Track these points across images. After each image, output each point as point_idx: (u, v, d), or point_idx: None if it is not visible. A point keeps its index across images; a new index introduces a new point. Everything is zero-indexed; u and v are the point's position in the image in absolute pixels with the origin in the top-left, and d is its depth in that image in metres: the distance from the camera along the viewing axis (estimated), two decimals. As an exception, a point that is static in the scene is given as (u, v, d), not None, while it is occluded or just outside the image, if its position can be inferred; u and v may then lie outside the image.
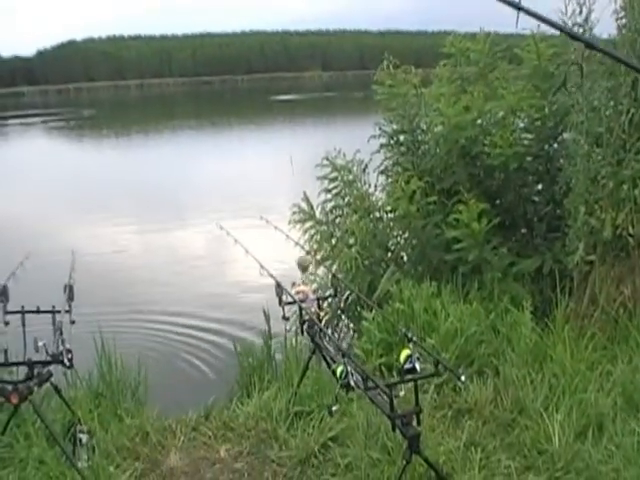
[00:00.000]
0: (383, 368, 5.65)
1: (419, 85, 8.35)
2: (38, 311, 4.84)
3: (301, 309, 4.95)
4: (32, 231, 16.18)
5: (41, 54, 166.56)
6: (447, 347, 5.69)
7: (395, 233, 8.03)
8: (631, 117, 6.44)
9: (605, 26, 6.99)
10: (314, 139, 24.98)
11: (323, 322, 5.06)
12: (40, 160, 32.34)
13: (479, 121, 7.70)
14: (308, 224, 8.31)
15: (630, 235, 6.18)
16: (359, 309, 7.06)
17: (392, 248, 7.94)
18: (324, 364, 5.07)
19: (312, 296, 5.19)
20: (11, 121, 63.92)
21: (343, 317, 7.83)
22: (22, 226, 16.88)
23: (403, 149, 8.25)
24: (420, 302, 6.23)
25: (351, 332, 7.60)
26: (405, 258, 7.91)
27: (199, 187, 22.31)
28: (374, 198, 8.31)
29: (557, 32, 6.31)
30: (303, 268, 5.82)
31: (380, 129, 8.33)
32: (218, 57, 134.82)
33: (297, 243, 6.86)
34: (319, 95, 71.03)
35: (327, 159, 8.49)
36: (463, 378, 3.83)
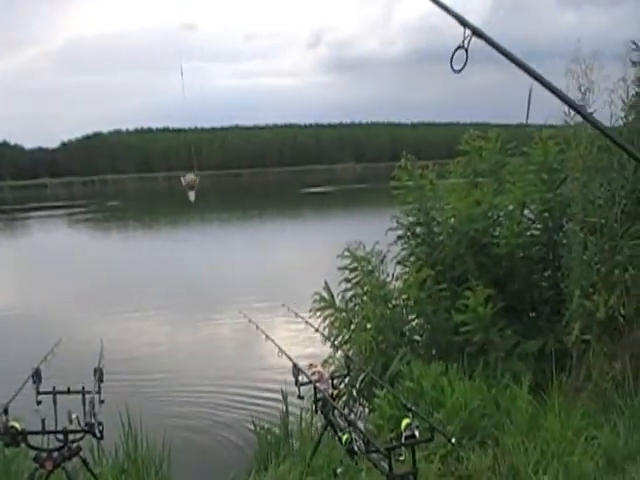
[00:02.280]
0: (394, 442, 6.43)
1: (435, 180, 9.32)
2: (70, 391, 5.32)
3: (315, 388, 5.71)
4: (64, 320, 17.21)
5: (65, 146, 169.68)
6: (452, 420, 6.46)
7: (409, 318, 8.88)
8: (623, 207, 7.37)
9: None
10: (340, 230, 25.92)
11: (337, 400, 5.81)
12: (69, 251, 33.55)
13: (489, 214, 8.66)
14: (328, 311, 9.12)
15: (622, 315, 7.07)
16: (373, 388, 7.83)
17: (406, 332, 8.76)
18: (337, 439, 5.61)
19: (327, 376, 5.96)
20: (33, 213, 65.19)
21: (357, 395, 8.59)
22: (54, 316, 17.95)
23: (419, 240, 9.16)
24: (428, 380, 7.05)
25: (365, 410, 8.35)
26: (417, 341, 8.75)
27: (226, 278, 23.26)
28: (391, 286, 9.15)
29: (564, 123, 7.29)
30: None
31: (397, 222, 9.26)
32: (247, 150, 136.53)
33: (317, 329, 7.74)
34: (350, 187, 72.36)
35: (348, 250, 9.35)
36: (453, 440, 4.61)
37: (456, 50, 3.02)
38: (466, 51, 3.09)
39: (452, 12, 3.26)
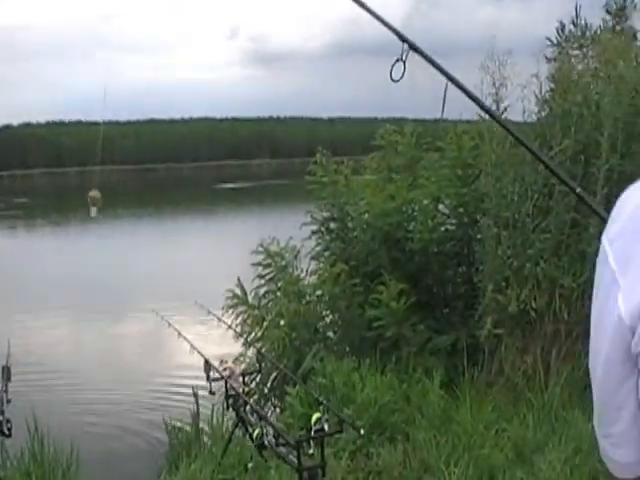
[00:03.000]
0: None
1: (350, 175, 9.42)
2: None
3: (227, 384, 5.77)
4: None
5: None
6: (362, 416, 6.55)
7: (323, 314, 8.97)
8: (535, 202, 7.58)
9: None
10: (255, 226, 25.96)
11: (248, 397, 5.88)
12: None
13: (403, 208, 8.79)
14: (241, 308, 9.15)
15: (533, 309, 7.28)
16: (285, 386, 7.90)
17: (320, 328, 8.85)
18: (248, 436, 5.67)
19: (238, 372, 6.03)
20: None
21: (269, 393, 8.65)
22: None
23: (333, 236, 9.26)
24: (340, 376, 7.13)
25: (277, 408, 8.42)
26: (331, 337, 8.85)
27: (137, 276, 23.04)
28: (305, 282, 9.23)
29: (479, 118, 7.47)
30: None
31: (312, 217, 9.34)
32: (163, 144, 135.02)
33: (229, 326, 7.78)
34: (266, 183, 72.46)
35: (261, 246, 9.40)
36: (362, 432, 4.71)
37: (395, 63, 3.11)
38: (404, 63, 3.18)
39: (391, 27, 3.35)
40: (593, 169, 7.64)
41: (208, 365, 5.82)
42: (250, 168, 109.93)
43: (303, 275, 9.31)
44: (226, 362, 6.08)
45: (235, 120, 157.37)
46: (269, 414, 8.10)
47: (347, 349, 8.44)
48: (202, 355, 5.95)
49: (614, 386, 1.38)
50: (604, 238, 1.41)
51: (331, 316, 8.93)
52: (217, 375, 5.78)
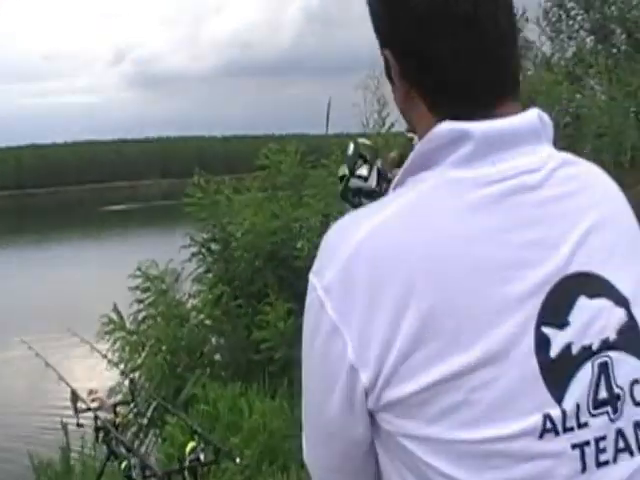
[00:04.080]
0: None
1: (231, 195, 9.31)
2: None
3: (96, 417, 5.50)
4: None
5: None
6: (250, 444, 6.34)
7: (207, 338, 8.75)
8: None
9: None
10: (138, 249, 25.58)
11: (123, 429, 5.61)
12: None
13: (290, 227, 8.69)
14: (118, 335, 8.86)
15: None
16: (165, 415, 7.66)
17: (204, 353, 8.63)
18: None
19: (109, 403, 5.75)
20: None
21: (147, 423, 8.37)
22: None
23: (215, 257, 9.09)
24: (225, 403, 6.92)
25: (157, 438, 8.15)
26: (217, 361, 8.64)
27: (9, 304, 22.40)
28: (188, 306, 9.02)
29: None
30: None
31: (191, 239, 9.17)
32: (44, 168, 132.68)
33: (104, 355, 7.48)
34: (155, 204, 71.68)
35: (139, 269, 9.15)
36: (238, 460, 4.50)
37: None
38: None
39: None
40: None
41: (75, 396, 5.54)
42: (139, 189, 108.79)
43: (185, 298, 9.08)
44: (96, 392, 5.82)
45: (122, 141, 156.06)
46: (150, 445, 7.83)
47: (234, 373, 8.22)
48: (69, 385, 5.65)
49: (352, 440, 1.40)
50: (316, 282, 1.37)
51: (216, 339, 8.74)
52: (85, 406, 5.52)
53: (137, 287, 9.13)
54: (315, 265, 1.40)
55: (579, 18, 12.92)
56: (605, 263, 1.41)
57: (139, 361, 8.61)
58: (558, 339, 1.33)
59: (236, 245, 8.92)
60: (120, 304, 9.26)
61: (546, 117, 1.44)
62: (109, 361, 7.76)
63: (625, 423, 1.34)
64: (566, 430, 1.30)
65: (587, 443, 1.31)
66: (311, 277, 1.39)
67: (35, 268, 32.69)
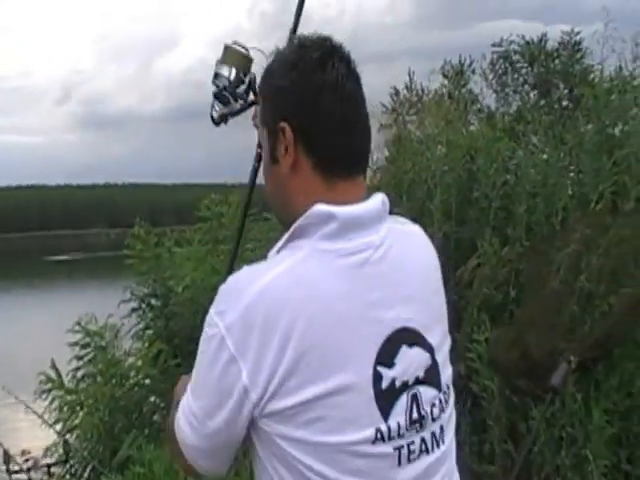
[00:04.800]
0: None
1: (173, 248, 9.28)
2: None
3: (29, 478, 5.49)
4: None
5: None
6: (187, 509, 6.31)
7: (145, 398, 8.69)
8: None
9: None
10: (81, 303, 25.34)
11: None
12: None
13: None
14: (55, 393, 8.77)
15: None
16: (100, 476, 7.59)
17: (143, 413, 8.56)
18: None
19: (42, 463, 5.74)
20: None
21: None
22: None
23: (156, 312, 9.04)
24: (161, 464, 6.88)
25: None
26: (156, 422, 8.57)
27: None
28: (127, 364, 8.96)
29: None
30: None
31: (131, 293, 9.11)
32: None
33: (40, 416, 7.44)
34: (102, 254, 71.19)
35: (79, 324, 9.08)
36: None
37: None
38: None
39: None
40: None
41: (7, 456, 5.54)
42: (86, 238, 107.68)
43: (124, 356, 9.01)
44: (29, 452, 5.83)
45: (69, 187, 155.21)
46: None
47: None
48: (1, 446, 5.65)
49: (230, 437, 1.98)
50: (218, 320, 1.92)
51: (154, 400, 8.67)
52: (18, 467, 5.52)
53: (76, 343, 9.03)
54: (217, 306, 1.95)
55: (523, 71, 13.15)
56: (421, 321, 2.06)
57: (76, 421, 8.53)
58: (387, 376, 1.96)
59: (176, 301, 8.90)
60: (59, 360, 9.16)
61: (386, 199, 2.07)
62: (45, 421, 7.74)
63: (426, 433, 2.04)
64: (390, 439, 1.96)
65: (402, 447, 1.99)
66: (213, 315, 1.95)
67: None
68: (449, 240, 7.82)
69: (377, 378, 1.94)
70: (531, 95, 12.85)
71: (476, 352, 7.09)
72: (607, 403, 6.50)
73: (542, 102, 12.16)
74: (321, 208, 1.96)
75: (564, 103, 12.29)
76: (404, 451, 2.00)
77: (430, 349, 2.07)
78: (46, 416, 8.14)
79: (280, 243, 2.00)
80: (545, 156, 8.26)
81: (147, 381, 8.55)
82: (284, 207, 2.13)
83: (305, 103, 2.08)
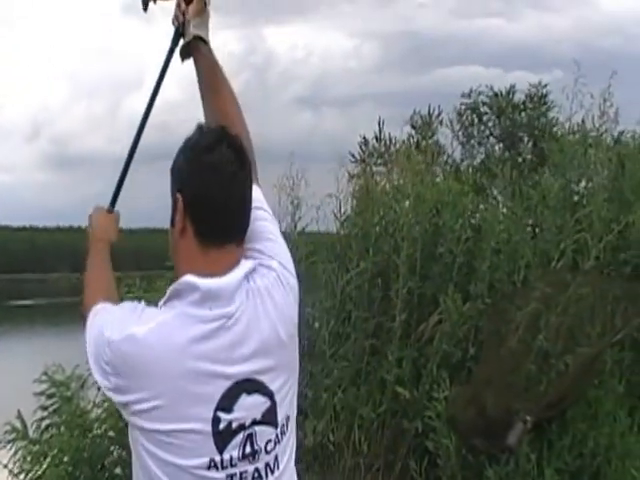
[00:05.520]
0: None
1: (142, 296, 9.29)
2: None
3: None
4: None
5: None
6: None
7: (110, 450, 8.67)
8: (331, 328, 7.69)
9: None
10: (46, 350, 25.20)
11: None
12: None
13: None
14: (20, 444, 8.74)
15: (331, 442, 7.30)
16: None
17: (106, 465, 8.55)
18: None
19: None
20: None
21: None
22: None
23: (123, 362, 9.02)
24: (126, 518, 6.92)
25: None
26: (119, 475, 8.55)
27: None
28: (93, 415, 8.93)
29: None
30: None
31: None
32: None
33: (5, 465, 7.43)
34: (65, 300, 70.64)
35: (46, 374, 9.06)
36: None
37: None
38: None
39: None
40: (392, 293, 7.83)
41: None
42: (49, 282, 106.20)
43: (90, 407, 8.99)
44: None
45: (33, 229, 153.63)
46: None
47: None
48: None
49: None
50: (108, 350, 2.62)
51: (118, 452, 8.66)
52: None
53: (42, 393, 9.00)
54: (110, 335, 2.60)
55: (490, 124, 13.36)
56: (264, 371, 2.60)
57: (39, 472, 8.51)
58: (224, 419, 2.52)
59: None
60: (23, 408, 9.12)
61: (249, 272, 2.63)
62: (10, 471, 7.74)
63: (260, 464, 2.60)
64: (224, 468, 2.54)
65: (235, 474, 2.57)
66: (107, 342, 2.59)
67: None
68: (412, 296, 7.92)
69: (216, 421, 2.51)
70: (496, 148, 13.04)
71: (434, 410, 7.18)
72: (559, 463, 6.63)
73: (507, 155, 12.35)
74: (189, 279, 2.55)
75: (528, 157, 12.49)
76: (236, 478, 2.57)
77: (270, 394, 2.62)
78: (10, 466, 8.17)
79: (163, 300, 2.61)
80: (507, 211, 8.41)
81: (112, 433, 8.53)
82: (176, 265, 2.73)
83: (192, 180, 2.62)
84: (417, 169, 8.99)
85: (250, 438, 2.57)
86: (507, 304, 7.54)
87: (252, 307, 2.59)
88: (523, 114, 13.21)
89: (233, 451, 2.55)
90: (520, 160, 12.23)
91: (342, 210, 8.97)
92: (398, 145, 12.03)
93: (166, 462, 2.55)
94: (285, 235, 7.83)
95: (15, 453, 8.65)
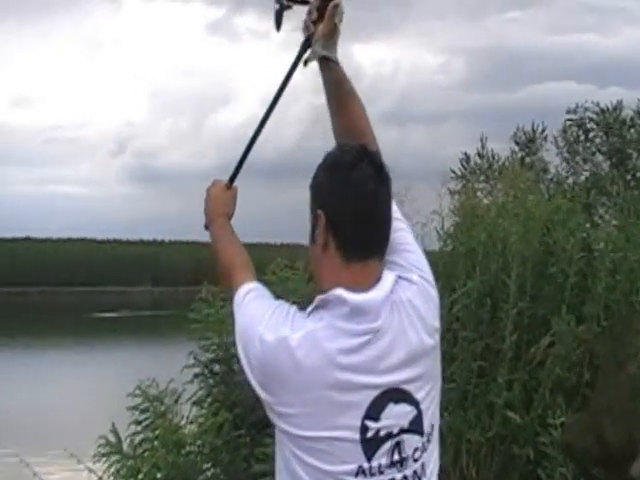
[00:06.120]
0: None
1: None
2: None
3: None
4: None
5: None
6: None
7: (203, 467, 8.55)
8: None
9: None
10: (133, 363, 25.45)
11: None
12: None
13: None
14: (114, 458, 8.69)
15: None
16: None
17: (200, 484, 8.44)
18: None
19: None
20: None
21: None
22: None
23: (217, 379, 8.92)
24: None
25: None
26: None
27: (1, 415, 22.12)
28: (185, 431, 8.84)
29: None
30: None
31: (195, 358, 9.01)
32: (38, 265, 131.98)
33: (100, 478, 7.36)
34: (147, 313, 71.47)
35: (139, 388, 9.01)
36: None
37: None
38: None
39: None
40: (501, 313, 7.61)
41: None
42: (131, 295, 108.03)
43: (183, 422, 8.91)
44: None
45: (117, 242, 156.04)
46: None
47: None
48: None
49: None
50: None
51: (212, 470, 8.53)
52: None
53: (136, 407, 8.95)
54: (262, 331, 2.72)
55: (597, 140, 13.04)
56: (409, 381, 2.68)
57: (133, 487, 8.45)
58: (372, 427, 2.59)
59: (238, 369, 8.77)
60: (110, 421, 9.07)
61: (393, 286, 2.71)
62: (104, 484, 7.68)
63: (408, 471, 2.67)
64: (372, 475, 2.61)
65: None
66: (259, 337, 2.72)
67: (25, 375, 32.45)
68: (523, 317, 7.69)
69: (364, 429, 2.59)
70: (603, 165, 12.74)
71: (548, 436, 6.93)
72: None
73: (614, 172, 12.04)
74: (339, 293, 2.63)
75: (638, 174, 12.17)
76: None
77: (416, 403, 2.70)
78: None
79: (310, 308, 2.69)
80: (616, 230, 8.15)
81: (205, 450, 8.41)
82: (318, 279, 2.83)
83: (334, 198, 2.72)
84: (524, 186, 8.76)
85: (398, 446, 2.64)
86: (625, 327, 7.28)
87: (397, 320, 2.67)
88: (632, 130, 12.85)
89: (381, 459, 2.62)
90: (629, 177, 11.93)
91: (444, 227, 8.79)
92: (501, 162, 11.81)
93: (314, 467, 2.61)
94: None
95: (109, 467, 8.62)
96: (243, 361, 2.82)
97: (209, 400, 8.81)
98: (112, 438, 8.86)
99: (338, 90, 3.19)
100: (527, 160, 11.47)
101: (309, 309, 2.69)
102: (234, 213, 3.47)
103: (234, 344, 8.00)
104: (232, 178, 3.49)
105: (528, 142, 12.68)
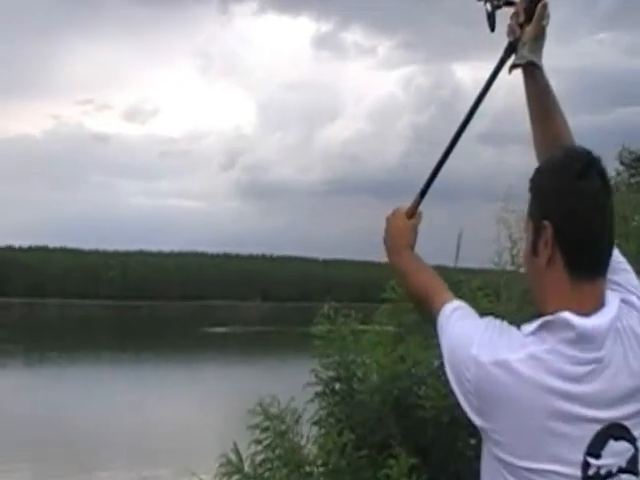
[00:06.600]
0: None
1: (357, 330, 9.19)
2: None
3: None
4: None
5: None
6: None
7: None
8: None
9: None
10: (247, 380, 25.63)
11: None
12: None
13: (413, 370, 8.51)
14: (235, 478, 8.79)
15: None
16: None
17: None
18: None
19: None
20: None
21: None
22: None
23: (337, 398, 8.93)
24: None
25: None
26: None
27: (117, 431, 22.44)
28: (306, 451, 8.87)
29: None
30: None
31: (316, 376, 9.04)
32: (150, 279, 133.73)
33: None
34: (257, 329, 71.83)
35: (260, 406, 9.08)
36: None
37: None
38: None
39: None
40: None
41: None
42: (240, 310, 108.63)
43: (304, 442, 8.94)
44: None
45: (227, 256, 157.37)
46: None
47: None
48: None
49: None
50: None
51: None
52: None
53: (257, 425, 9.01)
54: (477, 353, 2.52)
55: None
56: (629, 418, 2.49)
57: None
58: (594, 464, 2.43)
59: (361, 387, 8.78)
60: (230, 439, 9.17)
61: (618, 311, 2.56)
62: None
63: None
64: None
65: None
66: (473, 359, 2.51)
67: (137, 390, 32.92)
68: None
69: (585, 466, 2.43)
70: None
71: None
72: None
73: None
74: (566, 316, 2.46)
75: None
76: None
77: (633, 440, 2.51)
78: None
79: (531, 328, 2.51)
80: None
81: (326, 470, 8.41)
82: (539, 295, 2.64)
83: (563, 207, 2.52)
84: (631, 205, 8.68)
85: None
86: None
87: (620, 350, 2.51)
88: None
89: None
90: None
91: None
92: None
93: None
94: (504, 272, 7.65)
95: (231, 487, 8.71)
96: (454, 386, 2.61)
97: (330, 420, 8.82)
98: (233, 457, 8.96)
99: (546, 98, 3.05)
100: (633, 180, 11.31)
101: (530, 328, 2.53)
102: (414, 243, 3.23)
103: (354, 362, 8.09)
104: (414, 209, 3.26)
105: (634, 161, 12.54)
